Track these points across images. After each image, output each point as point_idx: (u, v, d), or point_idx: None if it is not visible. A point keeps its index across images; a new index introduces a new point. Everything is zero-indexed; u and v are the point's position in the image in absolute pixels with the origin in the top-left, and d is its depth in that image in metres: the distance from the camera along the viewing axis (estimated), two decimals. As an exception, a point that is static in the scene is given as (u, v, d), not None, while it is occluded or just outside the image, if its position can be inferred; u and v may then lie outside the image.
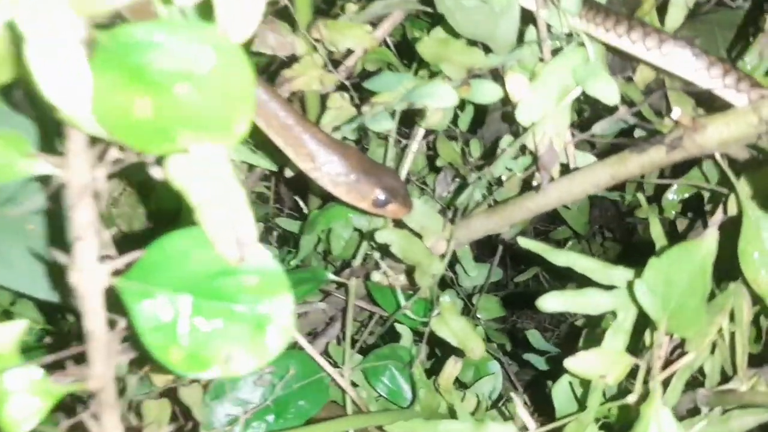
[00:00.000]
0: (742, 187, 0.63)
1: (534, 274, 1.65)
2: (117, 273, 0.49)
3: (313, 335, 1.15)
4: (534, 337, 1.02)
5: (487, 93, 0.68)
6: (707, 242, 0.57)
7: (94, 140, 0.46)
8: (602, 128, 0.70)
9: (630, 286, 0.63)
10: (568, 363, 0.65)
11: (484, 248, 1.50)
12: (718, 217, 0.76)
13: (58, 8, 0.39)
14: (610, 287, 0.67)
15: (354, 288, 0.91)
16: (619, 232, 1.64)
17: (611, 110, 0.69)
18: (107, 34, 0.43)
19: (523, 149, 0.78)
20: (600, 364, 0.66)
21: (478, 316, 1.13)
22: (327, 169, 0.71)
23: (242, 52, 0.44)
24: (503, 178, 0.85)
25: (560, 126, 0.68)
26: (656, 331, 0.61)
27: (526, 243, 0.68)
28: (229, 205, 0.46)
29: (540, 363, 1.00)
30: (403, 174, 0.96)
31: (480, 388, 0.99)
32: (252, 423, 0.82)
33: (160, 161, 0.45)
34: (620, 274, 0.66)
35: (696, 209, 1.14)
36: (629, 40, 0.64)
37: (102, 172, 0.48)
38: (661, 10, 0.77)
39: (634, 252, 1.61)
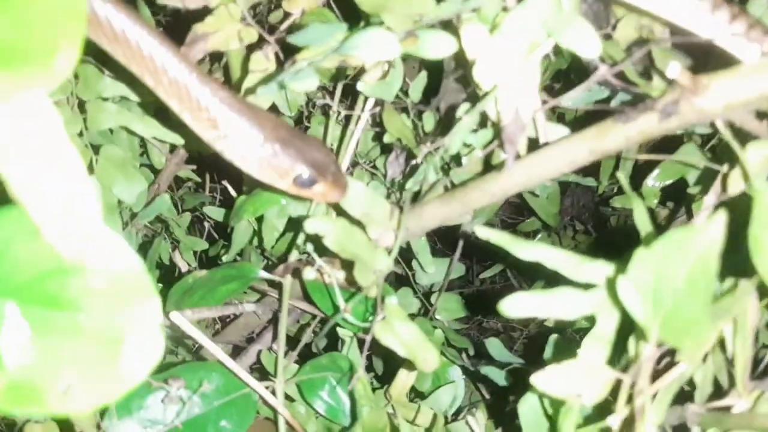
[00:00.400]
0: (751, 160, 0.50)
1: (501, 270, 1.54)
2: None
3: (249, 340, 1.02)
4: (494, 346, 0.88)
5: (438, 46, 0.54)
6: (712, 227, 0.44)
7: None
8: (578, 95, 0.57)
9: (611, 284, 0.51)
10: (536, 379, 0.52)
11: (446, 241, 1.38)
12: (711, 199, 0.64)
13: None
14: (586, 286, 0.54)
15: (289, 287, 0.78)
16: (591, 224, 1.53)
17: (586, 73, 0.57)
18: None
19: (485, 121, 0.65)
20: (575, 381, 0.53)
21: (438, 317, 1.00)
22: (234, 139, 0.57)
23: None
24: (462, 157, 0.72)
25: (528, 89, 0.55)
26: (645, 341, 0.49)
27: (485, 233, 0.55)
28: (59, 174, 0.33)
29: (500, 378, 0.87)
30: (348, 156, 0.83)
31: (438, 399, 0.87)
32: (161, 449, 0.68)
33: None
34: (599, 270, 0.53)
35: (678, 198, 1.03)
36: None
37: None
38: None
39: (608, 246, 1.50)
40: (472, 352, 1.01)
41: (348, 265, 0.67)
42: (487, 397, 1.17)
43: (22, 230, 0.34)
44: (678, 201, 1.03)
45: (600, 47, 0.50)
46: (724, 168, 0.61)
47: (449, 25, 0.61)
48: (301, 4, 0.75)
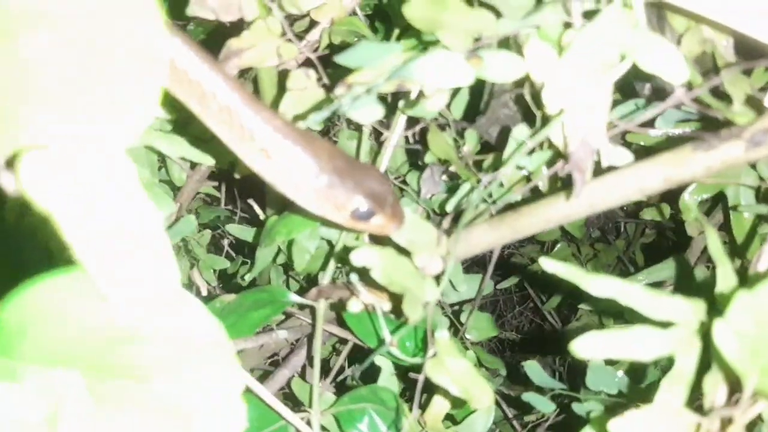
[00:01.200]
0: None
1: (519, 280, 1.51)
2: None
3: (273, 362, 0.98)
4: (533, 371, 0.84)
5: (505, 68, 0.51)
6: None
7: None
8: (658, 120, 0.54)
9: (702, 326, 0.47)
10: (614, 427, 0.48)
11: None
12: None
13: None
14: (665, 324, 0.50)
15: (323, 311, 0.74)
16: (612, 234, 1.50)
17: (659, 94, 0.53)
18: None
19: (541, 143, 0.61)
20: (654, 426, 0.49)
21: (468, 336, 0.97)
22: (288, 170, 0.53)
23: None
24: (507, 179, 0.68)
25: (598, 114, 0.52)
26: (739, 390, 0.45)
27: (553, 267, 0.51)
28: (129, 233, 0.29)
29: (545, 406, 0.83)
30: (381, 169, 0.79)
31: (473, 425, 0.83)
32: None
33: (11, 163, 0.28)
34: (683, 308, 0.49)
35: (708, 210, 1.00)
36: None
37: None
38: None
39: (628, 258, 1.48)
40: (504, 372, 0.98)
41: (395, 296, 0.63)
42: (509, 414, 1.15)
43: (87, 294, 0.30)
44: (708, 213, 1.00)
45: (687, 73, 0.46)
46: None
47: (507, 44, 0.58)
48: (330, 12, 0.71)
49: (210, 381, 0.31)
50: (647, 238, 1.49)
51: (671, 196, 0.87)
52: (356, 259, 0.57)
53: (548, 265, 0.52)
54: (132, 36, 0.27)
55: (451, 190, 0.77)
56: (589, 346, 0.50)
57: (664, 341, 0.50)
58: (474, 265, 1.46)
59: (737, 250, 0.81)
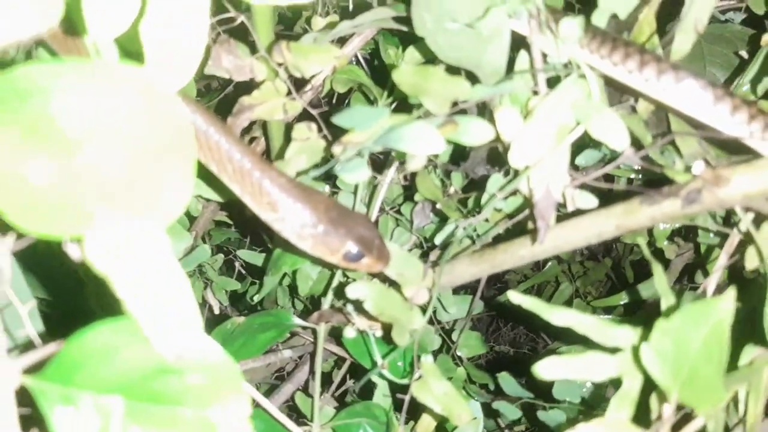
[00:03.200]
0: (765, 242, 0.55)
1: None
2: (32, 370, 0.40)
3: (279, 377, 1.07)
4: (506, 382, 0.95)
5: (476, 133, 0.59)
6: (723, 303, 0.49)
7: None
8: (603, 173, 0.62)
9: (636, 350, 0.56)
10: (566, 438, 0.57)
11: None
12: (722, 261, 0.69)
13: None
14: (613, 349, 0.59)
15: (323, 334, 0.83)
16: (600, 252, 1.57)
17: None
18: (3, 76, 0.33)
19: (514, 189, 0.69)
20: (603, 440, 0.57)
21: (459, 353, 1.05)
22: (290, 220, 0.62)
23: (178, 103, 0.35)
24: (489, 218, 0.77)
25: (558, 169, 0.60)
26: (665, 402, 0.53)
27: (518, 299, 0.60)
28: (166, 290, 0.37)
29: (513, 412, 0.93)
30: (377, 205, 0.87)
31: (463, 435, 0.91)
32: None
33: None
34: (625, 335, 0.58)
35: (686, 235, 1.08)
36: (641, 77, 0.56)
37: (4, 248, 0.39)
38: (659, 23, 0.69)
39: (618, 275, 1.55)
40: (491, 387, 1.06)
41: (385, 326, 0.72)
42: (503, 425, 1.22)
43: (131, 337, 0.38)
44: (686, 237, 1.08)
45: (628, 140, 0.55)
46: (735, 233, 0.66)
47: (483, 107, 0.66)
48: (332, 61, 0.80)
49: (225, 405, 0.40)
50: (635, 255, 1.56)
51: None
52: (351, 292, 0.66)
53: (515, 298, 0.60)
54: (168, 143, 0.35)
55: (440, 222, 0.85)
56: (549, 368, 0.59)
57: (612, 365, 0.58)
58: (466, 285, 1.54)
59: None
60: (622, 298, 1.29)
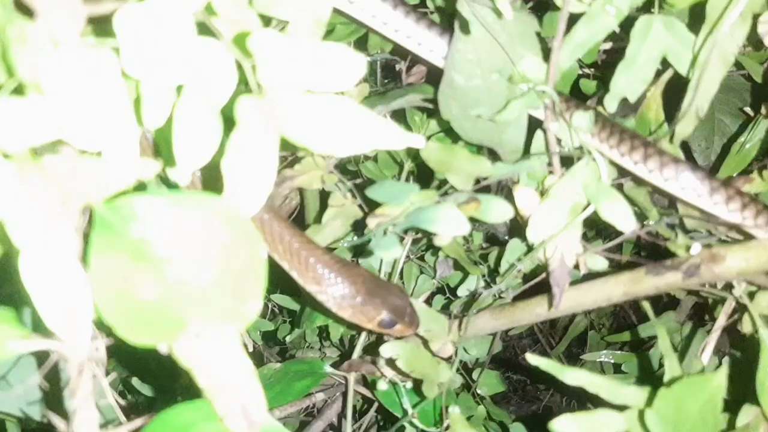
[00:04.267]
0: (758, 309, 0.61)
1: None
2: (119, 442, 0.46)
3: (309, 414, 1.13)
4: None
5: (497, 212, 0.66)
6: (717, 378, 0.56)
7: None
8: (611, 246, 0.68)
9: (641, 414, 0.62)
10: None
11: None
12: (721, 322, 0.75)
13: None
14: (622, 407, 0.65)
15: (353, 382, 0.89)
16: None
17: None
18: (108, 206, 0.40)
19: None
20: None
21: (479, 391, 1.11)
22: (332, 292, 0.70)
23: (252, 226, 0.42)
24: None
25: (572, 242, 0.67)
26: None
27: (534, 361, 0.66)
28: (238, 380, 0.44)
29: None
30: (403, 254, 0.94)
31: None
32: None
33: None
34: (632, 395, 0.64)
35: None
36: (645, 168, 0.62)
37: (102, 344, 0.46)
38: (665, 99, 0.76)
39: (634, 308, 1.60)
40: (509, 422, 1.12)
41: (415, 380, 0.78)
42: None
43: (206, 416, 0.45)
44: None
45: (634, 224, 0.61)
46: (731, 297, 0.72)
47: (500, 182, 0.73)
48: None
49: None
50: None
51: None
52: (384, 351, 0.72)
53: (532, 359, 0.67)
54: (244, 260, 0.42)
55: (462, 272, 0.92)
56: (565, 425, 0.65)
57: (620, 422, 0.64)
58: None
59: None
60: (629, 337, 1.35)
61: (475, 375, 1.11)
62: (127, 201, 0.41)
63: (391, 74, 0.95)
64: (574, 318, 1.59)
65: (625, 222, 0.61)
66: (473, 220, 0.89)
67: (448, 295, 0.98)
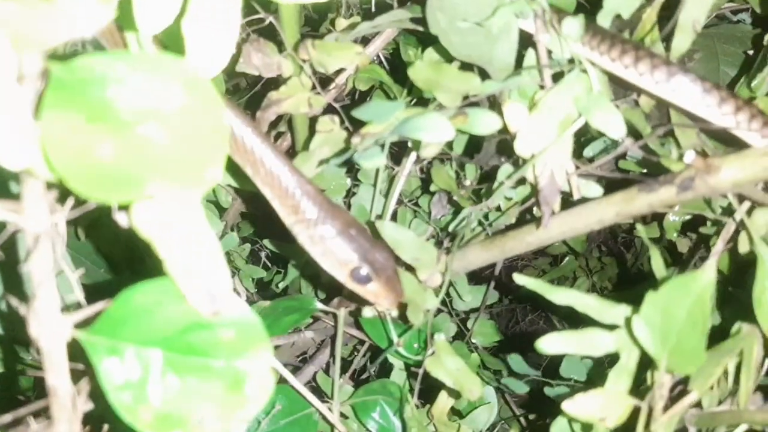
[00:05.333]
0: (755, 227, 0.59)
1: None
2: (82, 325, 0.45)
3: (302, 360, 1.12)
4: (515, 362, 1.04)
5: (485, 124, 0.64)
6: (705, 275, 0.53)
7: (52, 183, 0.42)
8: (606, 161, 0.66)
9: (629, 323, 0.60)
10: (567, 406, 0.61)
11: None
12: (719, 247, 0.73)
13: None
14: (611, 326, 0.63)
15: (343, 318, 0.87)
16: (617, 249, 1.60)
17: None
18: (64, 66, 0.39)
19: (523, 178, 0.74)
20: (600, 407, 0.62)
21: (474, 341, 1.09)
22: (308, 226, 0.65)
23: (214, 88, 0.41)
24: (501, 205, 0.81)
25: (562, 158, 0.65)
26: (657, 371, 0.57)
27: (523, 280, 0.64)
28: (202, 254, 0.43)
29: (520, 387, 1.03)
30: (394, 197, 0.92)
31: (475, 418, 0.95)
32: (235, 461, 0.78)
33: (125, 205, 0.41)
34: (621, 312, 0.62)
35: (698, 230, 1.11)
36: (636, 72, 0.60)
37: (62, 217, 0.44)
38: (663, 23, 0.73)
39: (635, 271, 1.58)
40: (505, 373, 1.10)
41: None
42: (516, 412, 1.27)
43: (169, 295, 0.44)
44: (698, 232, 1.11)
45: (624, 130, 0.59)
46: (731, 221, 0.69)
47: (493, 99, 0.71)
48: (352, 64, 0.85)
49: (252, 356, 0.45)
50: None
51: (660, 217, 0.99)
52: (366, 312, 0.70)
53: (519, 279, 0.65)
54: (207, 128, 0.40)
55: (456, 213, 0.90)
56: (551, 343, 0.63)
57: (610, 340, 0.62)
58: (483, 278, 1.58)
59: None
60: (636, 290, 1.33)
61: (469, 324, 1.10)
62: (85, 60, 0.39)
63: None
64: (576, 281, 1.57)
65: (615, 129, 0.59)
66: (467, 155, 0.88)
67: (442, 240, 0.97)
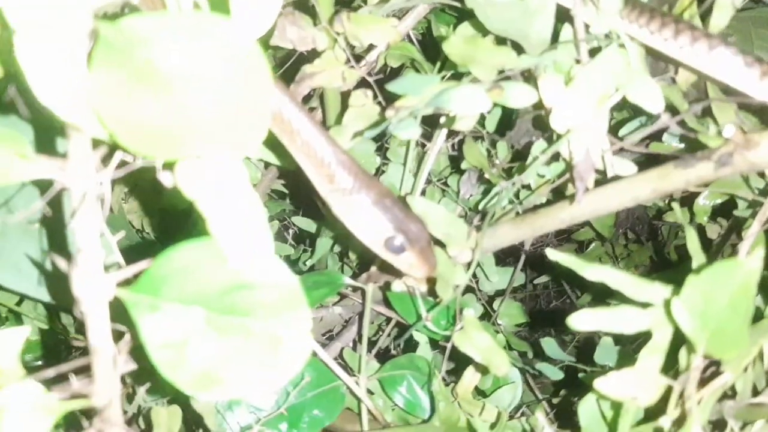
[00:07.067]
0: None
1: (554, 275, 1.61)
2: (124, 284, 0.46)
3: (328, 337, 1.12)
4: (549, 345, 1.02)
5: (520, 97, 0.63)
6: (752, 260, 0.53)
7: (98, 142, 0.43)
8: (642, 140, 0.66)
9: (667, 304, 0.59)
10: (598, 384, 0.61)
11: (504, 250, 1.46)
12: (755, 228, 0.72)
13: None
14: (645, 304, 0.62)
15: (371, 293, 0.88)
16: (644, 235, 1.59)
17: (650, 115, 0.65)
18: (112, 26, 0.39)
19: (556, 155, 0.74)
20: (632, 386, 0.62)
21: (499, 322, 1.09)
22: (342, 195, 0.65)
23: (260, 49, 0.41)
24: (532, 183, 0.81)
25: (598, 133, 0.64)
26: (694, 353, 0.57)
27: (554, 255, 0.64)
28: (244, 215, 0.43)
29: (555, 373, 1.01)
30: (424, 175, 0.92)
31: (499, 398, 0.95)
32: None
33: (169, 165, 0.42)
34: (657, 291, 0.61)
35: (728, 214, 1.10)
36: (676, 44, 0.59)
37: (107, 176, 0.45)
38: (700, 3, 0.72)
39: (661, 258, 1.56)
40: (530, 355, 1.10)
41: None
42: (540, 396, 1.26)
43: (211, 255, 0.44)
44: (728, 217, 1.10)
45: (662, 104, 0.58)
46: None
47: (528, 74, 0.71)
48: (386, 38, 0.84)
49: (290, 318, 0.45)
50: (680, 240, 1.57)
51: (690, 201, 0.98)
52: (396, 286, 0.70)
53: (551, 254, 0.65)
54: (251, 91, 0.41)
55: (486, 192, 0.90)
56: (583, 320, 0.63)
57: (642, 318, 0.62)
58: (509, 260, 1.58)
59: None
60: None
61: (495, 306, 1.10)
62: (131, 21, 0.40)
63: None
64: (602, 265, 1.56)
65: (653, 102, 0.59)
66: (499, 133, 0.88)
67: (471, 219, 0.97)
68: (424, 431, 0.74)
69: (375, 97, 0.78)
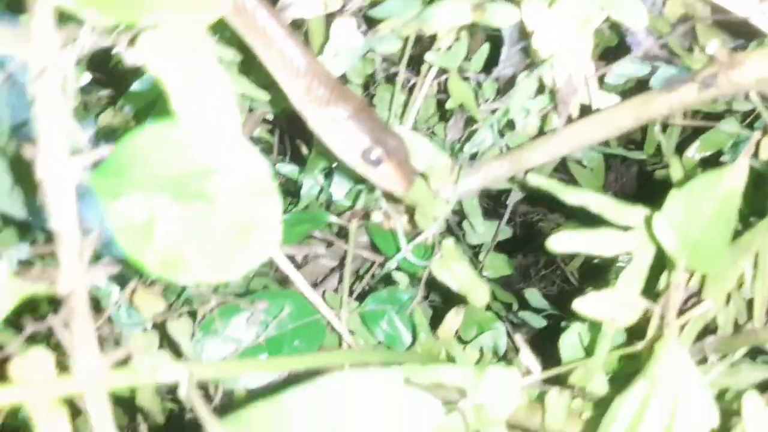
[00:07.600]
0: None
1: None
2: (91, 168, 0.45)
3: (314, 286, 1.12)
4: (532, 295, 1.04)
5: (502, 15, 0.63)
6: (736, 173, 0.52)
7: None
8: (627, 66, 0.65)
9: (648, 223, 0.59)
10: (577, 304, 0.60)
11: (494, 208, 1.46)
12: (749, 150, 0.71)
13: None
14: (626, 228, 0.62)
15: (355, 230, 0.87)
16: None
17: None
18: None
19: (542, 89, 0.73)
20: (611, 307, 0.61)
21: (485, 274, 1.09)
22: (319, 105, 0.64)
23: None
24: (518, 122, 0.80)
25: (581, 57, 0.63)
26: (674, 271, 0.56)
27: (536, 180, 0.63)
28: (209, 92, 0.42)
29: (537, 321, 1.02)
30: (410, 120, 0.91)
31: (482, 342, 0.95)
32: (243, 361, 0.78)
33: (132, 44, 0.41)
34: (638, 213, 0.61)
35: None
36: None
37: (71, 54, 0.44)
38: None
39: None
40: (515, 308, 1.10)
41: (410, 211, 0.76)
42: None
43: (177, 139, 0.43)
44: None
45: (646, 19, 0.58)
46: (757, 135, 0.68)
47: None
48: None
49: (259, 205, 0.44)
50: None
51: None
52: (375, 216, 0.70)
53: (533, 179, 0.64)
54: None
55: (470, 135, 0.89)
56: (562, 241, 0.62)
57: (624, 241, 0.61)
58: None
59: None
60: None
61: (481, 257, 1.09)
62: None
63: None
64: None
65: (636, 18, 0.58)
66: (485, 70, 0.87)
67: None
68: (404, 357, 0.74)
69: (359, 27, 0.77)
